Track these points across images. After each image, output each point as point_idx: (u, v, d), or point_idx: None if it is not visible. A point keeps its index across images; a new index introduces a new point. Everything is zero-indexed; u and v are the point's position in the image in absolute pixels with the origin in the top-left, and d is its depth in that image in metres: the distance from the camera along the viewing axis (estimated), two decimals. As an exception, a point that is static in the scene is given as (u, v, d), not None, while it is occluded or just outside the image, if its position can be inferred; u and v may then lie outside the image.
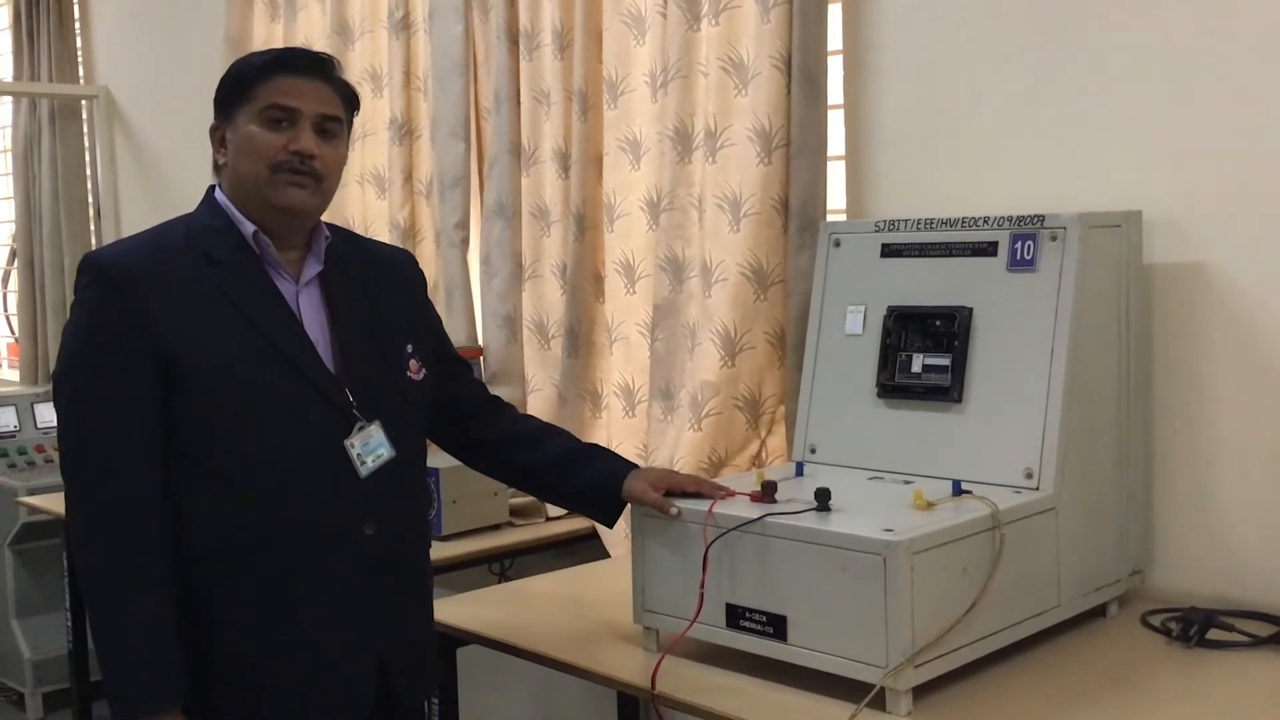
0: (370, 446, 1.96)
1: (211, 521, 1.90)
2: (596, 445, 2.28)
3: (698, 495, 2.06)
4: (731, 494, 2.05)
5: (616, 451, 2.32)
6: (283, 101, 1.93)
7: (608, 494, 2.14)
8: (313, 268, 2.01)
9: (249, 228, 1.95)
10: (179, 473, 1.89)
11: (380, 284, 2.09)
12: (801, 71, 2.62)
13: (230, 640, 1.91)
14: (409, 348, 2.07)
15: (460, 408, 2.21)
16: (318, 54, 2.02)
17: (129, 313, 1.87)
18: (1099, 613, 2.20)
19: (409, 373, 2.06)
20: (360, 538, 1.95)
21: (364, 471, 1.95)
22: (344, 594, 1.94)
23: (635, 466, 2.16)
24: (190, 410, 1.88)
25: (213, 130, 2.01)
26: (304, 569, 1.91)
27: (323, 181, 1.97)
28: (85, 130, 5.36)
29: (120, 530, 1.85)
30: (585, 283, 3.14)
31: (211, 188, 2.02)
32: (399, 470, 1.99)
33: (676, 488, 2.09)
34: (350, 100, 2.03)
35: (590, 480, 2.16)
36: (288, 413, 1.91)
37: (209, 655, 1.90)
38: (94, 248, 5.23)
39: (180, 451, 1.89)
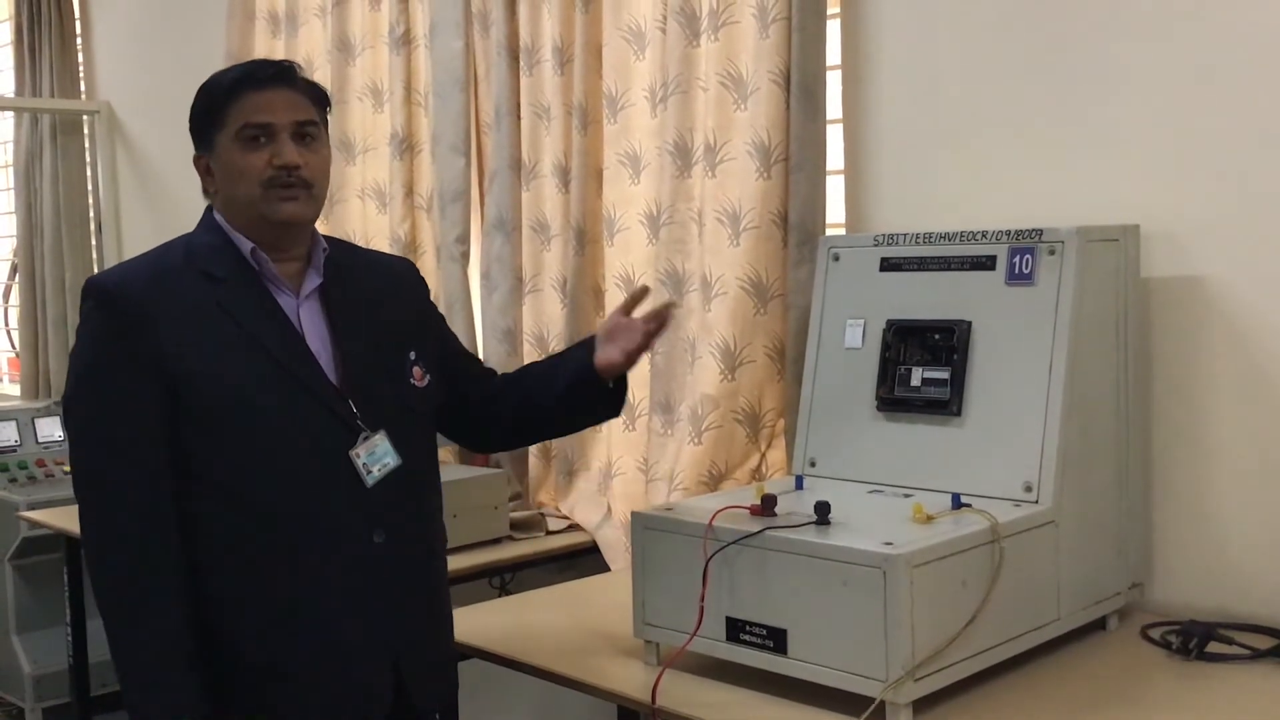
0: (376, 456, 1.97)
1: (222, 535, 1.92)
2: (565, 349, 2.28)
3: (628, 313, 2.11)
4: (645, 289, 2.14)
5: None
6: (255, 119, 1.94)
7: (589, 381, 2.10)
8: (312, 280, 2.02)
9: (246, 245, 1.97)
10: (188, 488, 1.91)
11: (380, 292, 2.10)
12: (800, 86, 2.63)
13: (245, 651, 1.92)
14: (411, 354, 2.08)
15: (473, 405, 2.22)
16: (278, 63, 2.02)
17: (133, 335, 1.89)
18: (1099, 626, 2.20)
19: (412, 380, 2.07)
20: (370, 546, 1.96)
21: (370, 481, 1.96)
22: (357, 602, 1.95)
23: (590, 340, 2.14)
24: (197, 428, 1.90)
25: (196, 160, 2.02)
26: (315, 579, 1.93)
27: (313, 188, 1.98)
28: (87, 145, 5.36)
29: (134, 547, 1.88)
30: (585, 296, 3.14)
31: (210, 207, 2.04)
32: (407, 478, 2.00)
33: (618, 322, 2.10)
34: (320, 100, 2.03)
35: (568, 378, 2.13)
36: (292, 427, 1.93)
37: (224, 666, 1.92)
38: (95, 262, 5.29)
39: (189, 468, 1.91)
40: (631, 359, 2.09)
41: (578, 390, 2.14)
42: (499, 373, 2.32)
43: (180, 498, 1.91)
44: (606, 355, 2.09)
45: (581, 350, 2.15)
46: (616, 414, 2.19)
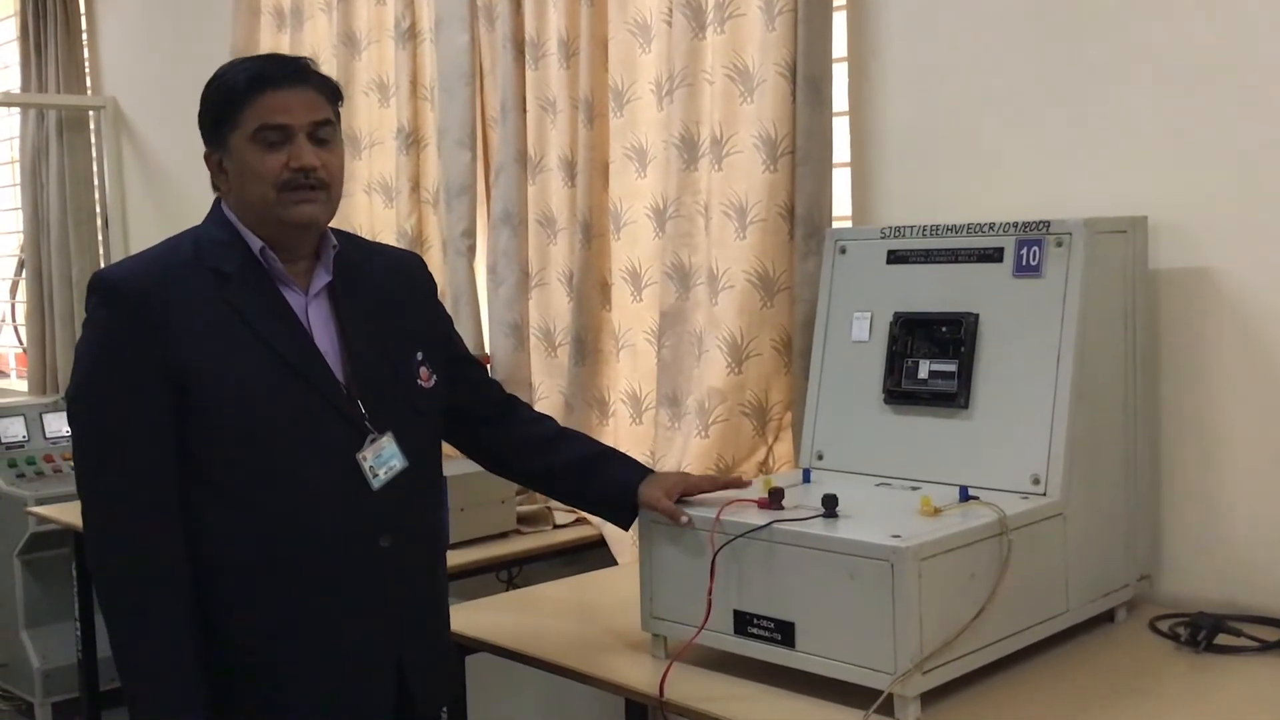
0: (382, 458, 1.96)
1: (227, 536, 1.91)
2: (613, 450, 2.27)
3: (715, 490, 2.07)
4: (747, 484, 2.07)
5: (622, 450, 2.32)
6: (273, 120, 1.91)
7: (622, 500, 2.13)
8: (321, 278, 2.00)
9: (256, 243, 1.95)
10: (194, 489, 1.90)
11: (389, 290, 2.09)
12: (806, 79, 2.63)
13: (247, 653, 1.92)
14: (418, 355, 2.07)
15: (473, 411, 2.21)
16: (295, 60, 1.99)
17: (140, 332, 1.87)
18: (1107, 618, 2.20)
19: (419, 380, 2.06)
20: (375, 549, 1.95)
21: (376, 484, 1.95)
22: (361, 605, 1.95)
23: (650, 472, 2.16)
24: (203, 427, 1.89)
25: (207, 157, 1.99)
26: (320, 582, 1.92)
27: (330, 189, 1.96)
28: (93, 141, 5.38)
29: (137, 547, 1.86)
30: (592, 290, 3.14)
31: (218, 200, 2.02)
32: (412, 480, 1.99)
33: (692, 490, 2.09)
34: (334, 95, 2.00)
35: (605, 487, 2.16)
36: (300, 428, 1.92)
37: (227, 668, 1.91)
38: (102, 258, 5.29)
39: (194, 467, 1.90)
40: (676, 519, 2.06)
41: (605, 504, 2.19)
42: (518, 402, 2.30)
43: (184, 497, 1.89)
44: (652, 494, 2.09)
45: (626, 473, 2.15)
46: (625, 528, 2.20)
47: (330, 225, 2.07)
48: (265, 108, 1.91)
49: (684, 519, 2.03)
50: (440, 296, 3.43)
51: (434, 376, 2.08)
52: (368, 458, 1.95)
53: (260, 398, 1.90)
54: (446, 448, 2.20)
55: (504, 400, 2.27)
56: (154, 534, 1.87)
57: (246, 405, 1.89)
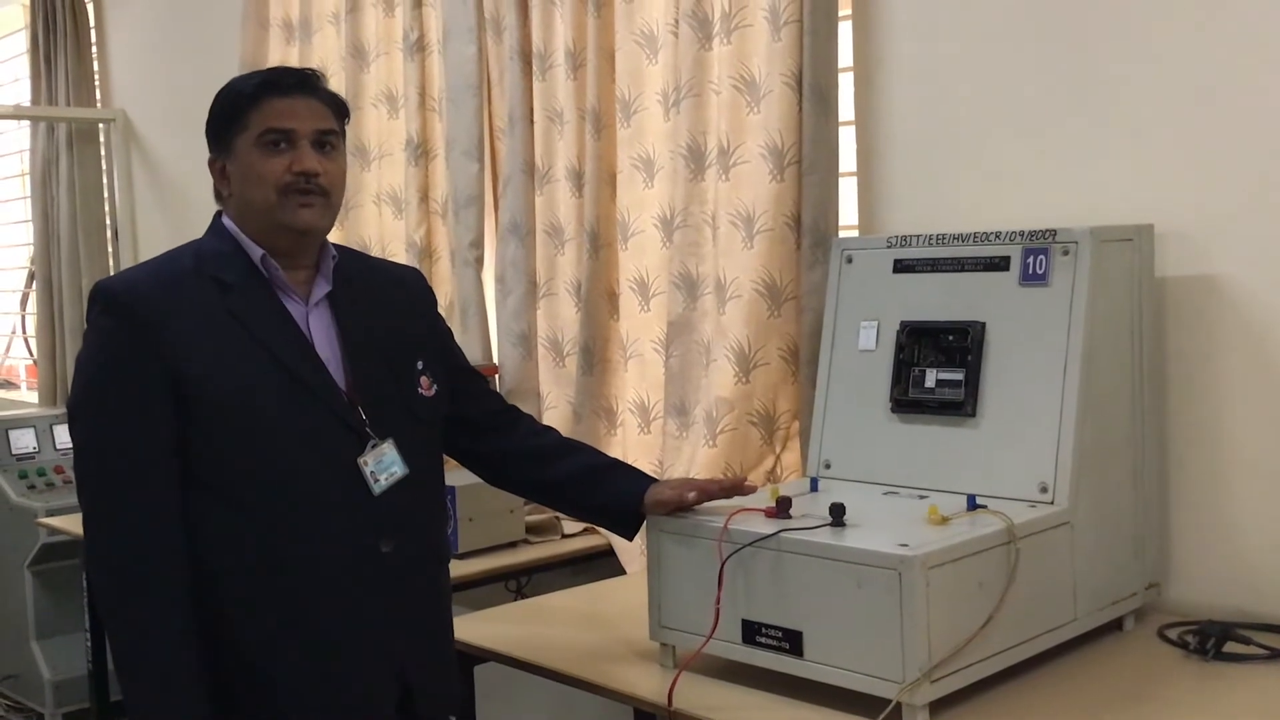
0: (383, 464, 1.97)
1: (228, 543, 1.91)
2: (618, 461, 2.28)
3: (720, 495, 2.09)
4: (752, 487, 2.09)
5: (631, 459, 2.33)
6: (278, 124, 1.94)
7: (627, 510, 2.15)
8: (321, 288, 2.02)
9: (257, 252, 1.97)
10: (195, 495, 1.90)
11: (388, 301, 2.10)
12: (813, 89, 2.63)
13: (249, 660, 1.92)
14: (419, 364, 2.08)
15: (475, 422, 2.22)
16: (302, 71, 2.02)
17: (141, 340, 1.88)
18: (1115, 626, 2.20)
19: (420, 389, 2.07)
20: (376, 556, 1.96)
21: (377, 490, 1.96)
22: (362, 612, 1.95)
23: (655, 480, 2.17)
24: (204, 434, 1.90)
25: (211, 163, 2.01)
26: (321, 588, 1.93)
27: (330, 196, 1.98)
28: (103, 153, 5.40)
29: (138, 554, 1.87)
30: (600, 300, 3.15)
31: (218, 213, 2.04)
32: (413, 487, 2.00)
33: (698, 491, 2.10)
34: (340, 110, 2.03)
35: (609, 497, 2.17)
36: (301, 434, 1.93)
37: (229, 675, 1.92)
38: (111, 269, 5.31)
39: (195, 474, 1.90)
40: (684, 505, 2.09)
41: (609, 515, 2.21)
42: (519, 413, 2.31)
43: (187, 504, 1.90)
44: (658, 493, 2.12)
45: (631, 483, 2.17)
46: (630, 539, 2.22)
47: (336, 241, 2.09)
48: (272, 112, 1.94)
49: (690, 496, 2.06)
50: (448, 307, 3.48)
51: (434, 385, 2.09)
52: (369, 463, 1.96)
53: (261, 404, 1.90)
54: (450, 460, 2.21)
55: (506, 411, 2.28)
56: (154, 541, 1.87)
57: (247, 412, 1.90)
